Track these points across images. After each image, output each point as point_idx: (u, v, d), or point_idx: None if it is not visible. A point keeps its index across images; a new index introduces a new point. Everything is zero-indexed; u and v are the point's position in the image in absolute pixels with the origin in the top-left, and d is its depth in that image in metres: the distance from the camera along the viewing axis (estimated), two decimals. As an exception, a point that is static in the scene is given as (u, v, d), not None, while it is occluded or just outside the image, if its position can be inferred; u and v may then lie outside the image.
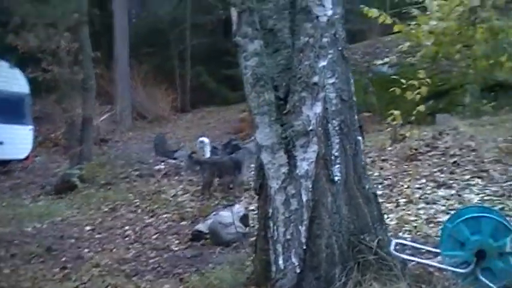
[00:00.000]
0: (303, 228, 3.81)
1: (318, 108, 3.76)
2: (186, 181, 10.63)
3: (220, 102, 23.03)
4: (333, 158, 3.91)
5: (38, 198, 11.44)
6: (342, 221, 3.92)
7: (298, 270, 3.82)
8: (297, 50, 3.75)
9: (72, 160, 12.50)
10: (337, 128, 3.93)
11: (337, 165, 3.93)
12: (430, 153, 9.60)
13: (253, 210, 8.16)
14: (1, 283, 5.92)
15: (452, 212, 6.31)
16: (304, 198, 3.80)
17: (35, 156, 17.00)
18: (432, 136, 10.21)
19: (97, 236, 7.91)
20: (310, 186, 3.81)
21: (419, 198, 7.48)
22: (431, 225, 6.45)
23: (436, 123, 13.03)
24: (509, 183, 7.48)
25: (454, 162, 8.84)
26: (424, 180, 8.28)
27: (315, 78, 3.71)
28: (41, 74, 12.15)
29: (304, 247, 3.82)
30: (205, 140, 11.22)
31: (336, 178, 3.92)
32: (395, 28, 5.75)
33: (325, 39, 3.75)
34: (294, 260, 3.82)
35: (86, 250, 7.17)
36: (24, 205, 10.68)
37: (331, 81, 3.90)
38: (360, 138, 4.15)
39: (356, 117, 4.15)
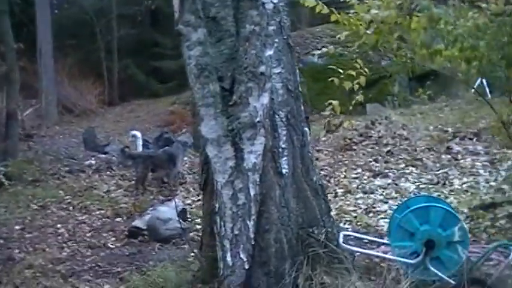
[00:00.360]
0: (251, 223, 3.67)
1: (265, 99, 3.61)
2: (118, 176, 10.31)
3: (149, 94, 22.57)
4: (280, 150, 3.80)
5: (-40, 197, 10.78)
6: (290, 214, 3.81)
7: (246, 266, 3.68)
8: (242, 38, 3.57)
9: (-3, 157, 11.87)
10: (284, 120, 3.82)
11: (285, 158, 3.82)
12: (364, 143, 9.71)
13: (189, 204, 8.02)
14: None
15: (396, 202, 6.42)
16: (252, 192, 3.65)
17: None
18: (365, 126, 10.32)
19: (28, 235, 7.47)
20: (258, 179, 3.67)
21: (357, 188, 7.52)
22: (371, 215, 6.50)
23: (366, 113, 13.20)
24: (442, 171, 7.62)
25: (388, 151, 8.96)
26: (360, 170, 8.34)
27: (262, 68, 3.56)
28: (-41, 65, 11.49)
29: (253, 242, 3.68)
30: (137, 133, 10.93)
31: (284, 171, 3.81)
32: (333, 18, 5.68)
33: (271, 28, 3.60)
34: (242, 255, 3.67)
35: (17, 251, 6.74)
36: None
37: (277, 70, 3.78)
38: (306, 129, 4.06)
39: (302, 107, 4.04)
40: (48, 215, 8.41)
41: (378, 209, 6.61)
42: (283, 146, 3.80)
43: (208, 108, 3.59)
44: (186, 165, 10.22)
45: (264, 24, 3.55)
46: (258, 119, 3.59)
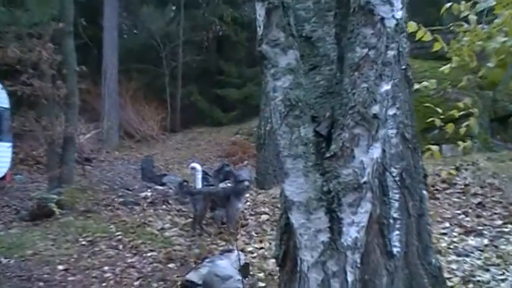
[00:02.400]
0: (347, 321, 2.60)
1: (377, 151, 2.55)
2: (174, 211, 9.47)
3: (211, 123, 22.11)
4: (391, 221, 2.74)
5: (11, 224, 10.07)
6: (400, 310, 2.72)
7: None
8: (350, 67, 2.54)
9: (51, 183, 11.23)
10: (397, 179, 2.75)
11: (396, 232, 2.75)
12: (448, 191, 8.47)
13: (251, 252, 7.01)
14: None
15: (499, 271, 5.24)
16: (350, 278, 2.59)
17: (14, 174, 15.73)
18: (448, 171, 9.08)
19: (70, 278, 6.61)
20: (359, 261, 2.61)
21: (448, 247, 6.30)
22: (470, 285, 5.28)
23: (442, 154, 11.92)
24: (548, 230, 6.36)
25: (479, 203, 7.72)
26: (447, 224, 7.13)
27: (375, 108, 2.50)
28: (20, 87, 10.90)
29: None
30: (197, 166, 10.02)
31: (395, 250, 2.74)
32: (436, 46, 4.56)
33: (390, 53, 2.54)
34: None
35: (56, 299, 5.90)
36: (-6, 233, 9.37)
37: (391, 112, 2.73)
38: (425, 192, 2.96)
39: (421, 162, 2.96)
40: (95, 253, 7.56)
41: (478, 278, 5.39)
42: (394, 215, 2.74)
43: (296, 160, 2.57)
44: (248, 204, 9.21)
45: (382, 48, 2.49)
46: (364, 179, 2.53)
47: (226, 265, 5.41)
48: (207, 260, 6.04)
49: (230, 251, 6.10)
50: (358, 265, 2.62)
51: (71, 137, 11.36)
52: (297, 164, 2.58)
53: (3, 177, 14.15)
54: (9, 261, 7.46)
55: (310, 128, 2.58)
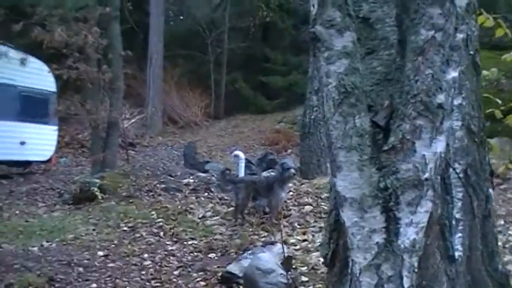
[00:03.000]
0: (402, 331, 2.36)
1: (441, 144, 2.29)
2: (216, 199, 9.33)
3: (255, 110, 21.97)
4: (453, 222, 2.47)
5: (54, 208, 10.14)
6: (461, 320, 2.46)
7: None
8: (413, 51, 2.27)
9: (95, 167, 11.26)
10: (461, 176, 2.48)
11: (459, 235, 2.48)
12: (502, 187, 8.14)
13: (294, 245, 6.80)
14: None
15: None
16: (406, 284, 2.34)
17: (60, 157, 15.93)
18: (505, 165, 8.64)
19: (110, 265, 6.52)
20: (417, 265, 2.36)
21: (504, 246, 5.94)
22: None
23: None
24: None
25: (535, 199, 7.32)
26: (502, 222, 6.78)
27: (440, 98, 2.24)
28: (67, 71, 10.92)
29: None
30: (241, 154, 9.86)
31: (457, 254, 2.48)
32: (499, 32, 4.24)
33: (459, 36, 2.27)
34: None
35: (94, 286, 5.80)
36: (37, 215, 9.41)
37: (457, 102, 2.46)
38: (491, 191, 2.68)
39: (487, 158, 2.68)
40: (136, 239, 7.50)
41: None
42: (457, 216, 2.48)
43: (350, 152, 2.32)
44: (291, 194, 8.97)
45: (451, 30, 2.22)
46: (426, 175, 2.28)
47: (269, 258, 5.21)
48: (249, 251, 5.86)
49: (273, 243, 5.90)
50: (416, 269, 2.37)
51: (115, 122, 11.37)
52: (350, 156, 2.33)
53: (49, 160, 14.36)
54: (50, 244, 7.45)
55: (366, 117, 2.34)
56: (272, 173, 11.06)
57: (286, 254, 5.52)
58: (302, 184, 9.73)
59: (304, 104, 11.22)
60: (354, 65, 2.32)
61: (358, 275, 2.42)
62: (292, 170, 7.81)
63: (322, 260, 5.38)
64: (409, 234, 2.34)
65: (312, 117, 10.83)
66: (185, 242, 7.23)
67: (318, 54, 2.37)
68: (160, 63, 20.55)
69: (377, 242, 2.36)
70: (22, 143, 13.23)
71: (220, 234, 7.49)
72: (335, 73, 2.32)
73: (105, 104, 11.87)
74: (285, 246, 5.84)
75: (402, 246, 2.34)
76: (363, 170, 2.33)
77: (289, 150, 16.07)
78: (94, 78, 11.15)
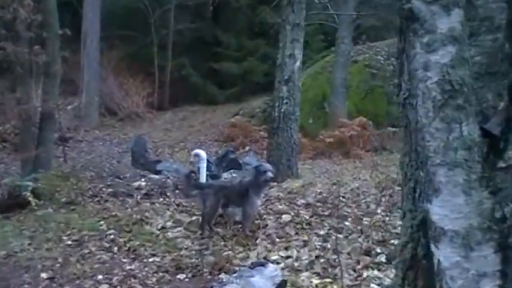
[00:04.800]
0: None
1: None
2: (174, 206, 8.92)
3: (205, 101, 21.85)
4: None
5: (-25, 217, 9.46)
6: None
7: None
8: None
9: (25, 167, 10.61)
10: None
11: None
12: None
13: (277, 263, 6.41)
14: None
15: None
16: None
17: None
18: None
19: (58, 290, 6.02)
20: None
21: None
22: None
23: None
24: None
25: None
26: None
27: None
28: (-8, 52, 10.27)
29: None
30: (202, 153, 9.42)
31: None
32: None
33: None
34: None
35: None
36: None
37: None
38: None
39: None
40: (85, 257, 6.97)
41: None
42: None
43: (454, 170, 1.94)
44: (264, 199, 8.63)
45: None
46: (557, 203, 1.92)
47: (262, 283, 4.81)
48: (235, 274, 5.43)
49: (262, 264, 5.49)
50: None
51: (50, 113, 10.74)
52: (454, 176, 1.95)
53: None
54: (-25, 264, 6.84)
55: (475, 124, 1.97)
56: (234, 175, 10.73)
57: (279, 278, 5.17)
58: (271, 188, 9.39)
59: (274, 94, 10.91)
60: (462, 54, 1.95)
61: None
62: (270, 174, 7.46)
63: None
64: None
65: (282, 110, 10.55)
66: (146, 260, 6.77)
67: (412, 39, 1.97)
68: (96, 45, 19.92)
69: (490, 289, 1.99)
70: None
71: (187, 249, 7.06)
72: (437, 64, 1.94)
73: (38, 91, 11.25)
74: (277, 267, 5.49)
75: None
76: (470, 194, 1.96)
77: (247, 147, 15.83)
78: (25, 61, 10.48)
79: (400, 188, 8.55)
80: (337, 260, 5.79)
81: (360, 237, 6.79)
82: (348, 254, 6.33)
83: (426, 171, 2.02)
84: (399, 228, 6.46)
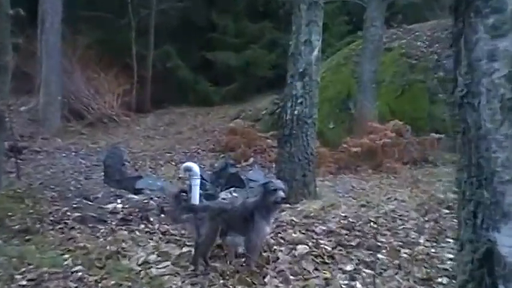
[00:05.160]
0: None
1: None
2: (159, 234, 9.01)
3: (197, 101, 21.96)
4: None
5: None
6: None
7: None
8: None
9: (-33, 185, 10.73)
10: None
11: None
12: None
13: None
14: None
15: None
16: None
17: None
18: None
19: None
20: None
21: None
22: None
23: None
24: None
25: None
26: None
27: None
28: None
29: None
30: (195, 167, 9.46)
31: None
32: None
33: None
34: None
35: None
36: None
37: None
38: None
39: None
40: (46, 305, 7.04)
41: None
42: None
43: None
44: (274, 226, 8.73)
45: None
46: None
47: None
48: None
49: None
50: None
51: (1, 115, 10.79)
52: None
53: None
54: None
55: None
56: (235, 194, 10.81)
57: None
58: (283, 211, 9.48)
59: (284, 92, 11.00)
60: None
61: None
62: (281, 193, 7.47)
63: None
64: None
65: (296, 112, 10.62)
66: (123, 304, 6.85)
67: (473, 21, 1.97)
68: (57, 28, 20.08)
69: None
70: None
71: (177, 290, 7.10)
72: (507, 53, 1.94)
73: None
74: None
75: None
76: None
77: (251, 160, 15.96)
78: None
79: (448, 211, 8.62)
80: (369, 304, 5.83)
81: (397, 274, 6.82)
82: (383, 296, 6.39)
83: (492, 191, 2.03)
84: (449, 262, 6.52)
